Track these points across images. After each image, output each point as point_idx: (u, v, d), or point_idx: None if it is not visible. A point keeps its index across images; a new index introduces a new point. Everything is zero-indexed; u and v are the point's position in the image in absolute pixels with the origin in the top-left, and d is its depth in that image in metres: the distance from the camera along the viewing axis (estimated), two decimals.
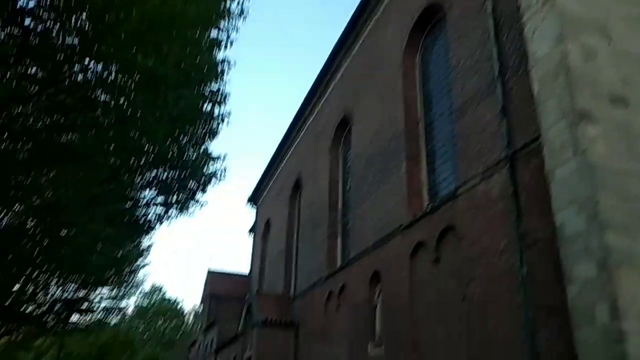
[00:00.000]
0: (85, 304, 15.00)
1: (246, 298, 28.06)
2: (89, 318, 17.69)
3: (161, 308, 62.29)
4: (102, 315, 16.97)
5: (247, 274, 37.10)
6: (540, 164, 8.77)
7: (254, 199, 34.99)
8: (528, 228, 9.28)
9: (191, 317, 60.97)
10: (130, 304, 76.61)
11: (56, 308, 15.14)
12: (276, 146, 29.77)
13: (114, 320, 24.67)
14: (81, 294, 14.64)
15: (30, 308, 14.66)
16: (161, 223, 9.05)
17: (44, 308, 15.35)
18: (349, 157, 20.41)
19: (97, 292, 15.52)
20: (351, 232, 19.35)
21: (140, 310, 60.31)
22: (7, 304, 13.56)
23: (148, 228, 9.26)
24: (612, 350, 6.86)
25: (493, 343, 9.66)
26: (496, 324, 9.70)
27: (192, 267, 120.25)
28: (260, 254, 34.56)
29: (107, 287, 15.76)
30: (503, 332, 9.47)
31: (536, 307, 8.84)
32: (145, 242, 16.83)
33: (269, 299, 24.88)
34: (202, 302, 44.16)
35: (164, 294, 65.44)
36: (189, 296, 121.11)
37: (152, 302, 62.81)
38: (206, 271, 43.26)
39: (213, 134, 11.43)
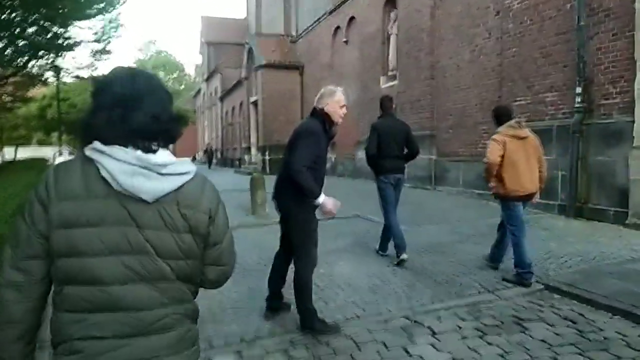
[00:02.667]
0: (67, 42, 13.50)
1: (246, 42, 26.49)
2: (78, 63, 16.56)
3: (159, 61, 61.42)
4: (92, 59, 15.71)
5: (243, 18, 34.75)
6: None
7: None
8: None
9: (192, 69, 60.54)
10: (118, 50, 74.91)
11: (40, 53, 13.84)
12: None
13: (106, 68, 23.49)
14: (59, 31, 13.06)
15: (11, 53, 13.35)
16: None
17: (28, 55, 14.08)
18: None
19: (76, 28, 13.83)
20: None
21: (138, 64, 59.66)
22: None
23: None
24: None
25: (530, 60, 8.52)
26: (537, 37, 8.39)
27: (185, 18, 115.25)
28: None
29: (86, 24, 14.07)
30: (548, 43, 8.21)
31: (591, 10, 7.41)
32: None
33: (270, 41, 23.36)
34: (200, 51, 42.75)
35: (158, 48, 63.89)
36: (187, 48, 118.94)
37: (149, 57, 61.65)
38: (200, 18, 40.66)
39: None
